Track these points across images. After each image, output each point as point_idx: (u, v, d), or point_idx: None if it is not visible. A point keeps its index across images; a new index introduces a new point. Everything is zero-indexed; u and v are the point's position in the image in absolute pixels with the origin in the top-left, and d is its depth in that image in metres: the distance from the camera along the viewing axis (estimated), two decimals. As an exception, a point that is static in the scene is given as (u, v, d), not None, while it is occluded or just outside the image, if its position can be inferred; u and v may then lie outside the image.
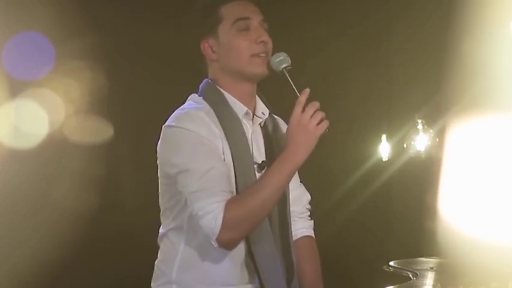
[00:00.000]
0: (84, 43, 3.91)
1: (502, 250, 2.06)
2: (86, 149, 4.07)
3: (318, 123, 1.89)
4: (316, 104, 1.90)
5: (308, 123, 1.89)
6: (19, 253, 3.76)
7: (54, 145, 3.89)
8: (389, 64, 5.19)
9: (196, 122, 1.94)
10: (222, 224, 1.85)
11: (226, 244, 1.90)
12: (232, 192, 1.92)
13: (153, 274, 2.07)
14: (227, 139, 1.97)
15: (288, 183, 1.96)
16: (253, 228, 1.93)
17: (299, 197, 2.20)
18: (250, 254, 1.98)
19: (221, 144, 1.95)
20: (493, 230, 2.09)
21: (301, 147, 1.90)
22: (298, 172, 2.20)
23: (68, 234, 3.79)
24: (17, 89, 3.73)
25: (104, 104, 4.11)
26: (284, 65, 1.97)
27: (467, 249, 2.16)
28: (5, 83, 3.66)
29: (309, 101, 1.91)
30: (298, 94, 1.93)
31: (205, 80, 2.08)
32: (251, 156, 2.00)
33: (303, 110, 1.90)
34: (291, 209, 2.13)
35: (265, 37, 2.00)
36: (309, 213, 2.23)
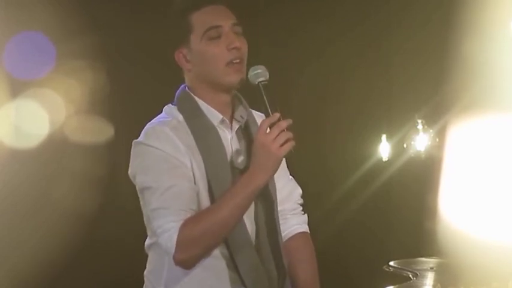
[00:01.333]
0: (85, 43, 3.91)
1: (502, 250, 2.06)
2: (87, 149, 4.07)
3: (282, 144, 1.86)
4: (283, 124, 1.87)
5: (271, 145, 1.86)
6: (19, 253, 3.76)
7: (55, 145, 3.89)
8: (389, 64, 5.19)
9: (160, 138, 1.93)
10: (177, 244, 1.86)
11: (183, 263, 1.90)
12: (193, 210, 1.90)
13: (144, 285, 2.07)
14: (200, 150, 1.95)
15: (250, 203, 1.93)
16: (211, 248, 1.93)
17: (290, 193, 2.16)
18: (233, 264, 1.97)
19: (189, 159, 1.93)
20: (493, 230, 2.09)
21: (262, 169, 1.88)
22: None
23: (68, 235, 3.79)
24: (17, 89, 3.73)
25: (104, 104, 4.11)
26: (260, 79, 1.94)
27: (468, 249, 2.16)
28: (5, 83, 3.66)
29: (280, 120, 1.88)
30: (269, 110, 1.90)
31: (181, 87, 2.07)
32: (227, 164, 1.97)
33: (269, 129, 1.87)
34: (282, 207, 2.11)
35: (237, 43, 1.96)
36: (301, 208, 2.20)
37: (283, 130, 1.87)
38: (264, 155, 1.87)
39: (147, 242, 2.05)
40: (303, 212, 2.20)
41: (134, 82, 4.44)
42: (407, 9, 4.86)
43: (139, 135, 2.01)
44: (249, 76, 1.95)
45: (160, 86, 4.28)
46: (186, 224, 1.87)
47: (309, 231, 2.18)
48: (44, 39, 3.80)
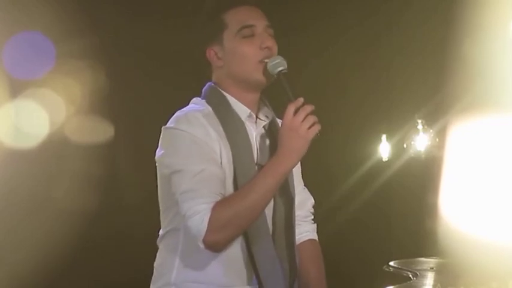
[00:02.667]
0: (84, 43, 3.92)
1: (502, 250, 2.06)
2: (86, 149, 4.07)
3: (310, 127, 1.89)
4: (308, 108, 1.90)
5: (299, 127, 1.89)
6: (19, 253, 3.77)
7: (55, 145, 3.90)
8: (389, 64, 5.19)
9: (192, 123, 1.94)
10: (208, 225, 1.86)
11: (213, 246, 1.90)
12: (223, 195, 1.91)
13: (153, 276, 2.07)
14: (228, 140, 1.97)
15: (278, 187, 1.94)
16: (241, 231, 1.93)
17: (303, 201, 2.20)
18: (250, 255, 1.97)
19: (218, 146, 1.95)
20: (493, 230, 2.09)
21: (292, 152, 1.90)
22: (301, 174, 2.21)
23: (68, 234, 3.79)
24: (17, 89, 3.73)
25: (104, 104, 4.12)
26: (280, 68, 1.97)
27: (467, 249, 2.16)
28: (5, 83, 3.66)
29: (304, 104, 1.91)
30: (292, 98, 1.92)
31: (208, 83, 2.09)
32: (253, 157, 2.00)
33: (295, 114, 1.90)
34: (296, 214, 2.13)
35: (270, 42, 2.00)
36: (312, 216, 2.24)
37: (310, 113, 1.89)
38: (292, 138, 1.89)
39: (161, 232, 2.05)
40: (313, 221, 2.22)
41: (134, 82, 4.44)
42: (407, 9, 4.86)
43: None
44: (268, 67, 1.98)
45: (160, 86, 4.30)
46: (218, 206, 1.87)
47: (317, 239, 2.21)
48: (44, 39, 3.80)
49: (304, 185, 2.26)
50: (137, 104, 4.32)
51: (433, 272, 2.94)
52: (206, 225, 1.85)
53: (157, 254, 2.07)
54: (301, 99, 1.91)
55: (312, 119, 1.90)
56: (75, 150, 4.03)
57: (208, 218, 1.86)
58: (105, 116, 4.22)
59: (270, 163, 1.92)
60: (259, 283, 1.97)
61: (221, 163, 1.95)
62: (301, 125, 1.89)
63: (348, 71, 5.16)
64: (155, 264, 2.08)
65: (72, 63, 3.94)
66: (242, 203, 1.88)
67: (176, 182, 1.93)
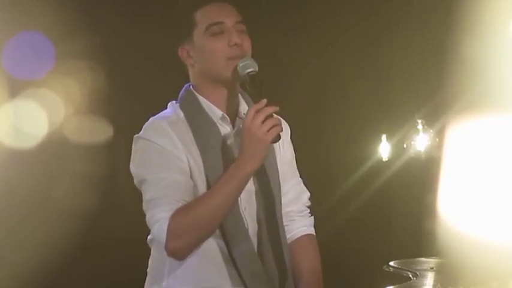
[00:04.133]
0: (84, 43, 3.92)
1: (502, 250, 2.06)
2: (86, 149, 4.08)
3: (269, 130, 1.86)
4: (268, 110, 1.86)
5: (258, 130, 1.85)
6: (19, 253, 3.77)
7: (54, 145, 3.90)
8: (390, 64, 5.19)
9: (158, 132, 1.95)
10: (168, 232, 1.86)
11: (174, 253, 1.90)
12: (186, 202, 1.91)
13: (146, 279, 2.08)
14: (198, 147, 1.96)
15: (241, 191, 1.93)
16: (203, 237, 1.93)
17: (298, 196, 2.17)
18: (232, 258, 1.97)
19: (185, 154, 1.95)
20: (493, 230, 2.09)
21: (251, 155, 1.88)
22: (298, 169, 2.19)
23: (68, 235, 3.80)
24: (17, 89, 3.73)
25: (103, 104, 4.12)
26: (249, 70, 1.95)
27: (467, 249, 2.16)
28: (5, 83, 3.66)
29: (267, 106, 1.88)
30: (256, 99, 1.90)
31: (185, 86, 2.08)
32: (225, 159, 1.98)
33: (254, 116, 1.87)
34: (290, 209, 2.12)
35: (238, 40, 1.97)
36: (308, 210, 2.20)
37: (271, 116, 1.87)
38: (251, 141, 1.87)
39: (149, 237, 2.06)
40: (310, 215, 2.21)
41: (133, 82, 4.44)
42: (407, 9, 4.86)
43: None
44: (238, 69, 1.96)
45: (160, 86, 4.29)
46: (176, 213, 1.87)
47: (314, 233, 2.19)
48: (43, 39, 3.80)
49: (305, 185, 2.24)
50: (137, 104, 4.32)
51: (433, 272, 2.94)
52: (165, 233, 1.86)
53: (150, 259, 2.08)
54: (264, 101, 1.87)
55: (272, 121, 1.86)
56: (75, 151, 4.03)
57: (167, 225, 1.86)
58: (104, 116, 4.22)
59: (230, 168, 1.90)
60: (244, 285, 1.96)
61: (190, 171, 1.95)
62: (260, 127, 1.85)
63: (348, 71, 5.16)
64: (148, 268, 2.08)
65: (72, 63, 3.94)
66: (201, 209, 1.88)
67: (143, 192, 1.95)
